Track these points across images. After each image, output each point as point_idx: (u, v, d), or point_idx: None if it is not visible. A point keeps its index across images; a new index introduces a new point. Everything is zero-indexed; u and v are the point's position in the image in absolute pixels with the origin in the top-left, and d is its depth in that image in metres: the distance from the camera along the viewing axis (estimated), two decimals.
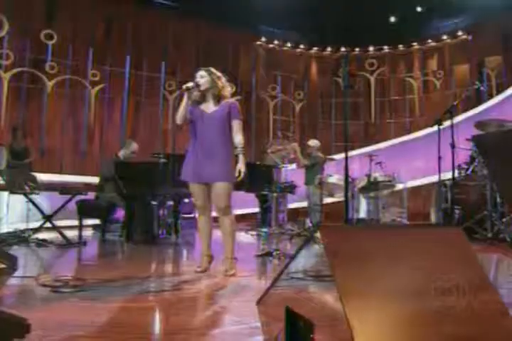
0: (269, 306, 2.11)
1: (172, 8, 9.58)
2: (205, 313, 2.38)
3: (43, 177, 6.77)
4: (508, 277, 3.34)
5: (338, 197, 7.12)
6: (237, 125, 3.45)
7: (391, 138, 10.48)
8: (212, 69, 3.52)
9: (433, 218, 5.53)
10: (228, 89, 3.56)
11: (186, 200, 7.94)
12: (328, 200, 7.61)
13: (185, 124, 3.51)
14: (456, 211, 4.70)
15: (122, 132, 9.18)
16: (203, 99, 3.48)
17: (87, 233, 6.56)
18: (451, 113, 4.36)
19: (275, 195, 4.67)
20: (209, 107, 3.46)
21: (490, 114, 8.23)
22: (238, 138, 3.43)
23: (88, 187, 5.30)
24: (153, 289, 2.91)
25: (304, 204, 7.64)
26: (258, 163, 5.84)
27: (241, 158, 3.39)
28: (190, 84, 3.40)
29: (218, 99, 3.45)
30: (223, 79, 3.53)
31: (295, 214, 8.38)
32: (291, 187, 4.64)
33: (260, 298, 2.09)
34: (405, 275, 1.36)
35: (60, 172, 8.27)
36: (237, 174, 3.35)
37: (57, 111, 8.61)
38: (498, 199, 4.49)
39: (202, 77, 3.44)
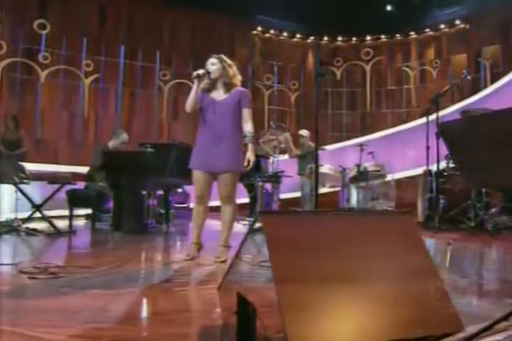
0: (227, 292, 2.14)
1: None
2: (180, 299, 2.41)
3: (38, 167, 6.85)
4: (474, 265, 3.37)
5: (330, 187, 7.16)
6: (247, 113, 3.41)
7: (388, 128, 10.45)
8: (224, 57, 3.46)
9: (419, 207, 5.55)
10: (239, 78, 3.52)
11: (179, 190, 7.99)
12: (321, 190, 7.65)
13: (194, 112, 3.48)
14: (441, 200, 4.71)
15: (117, 122, 9.19)
16: (213, 86, 3.43)
17: (80, 222, 6.62)
18: (436, 103, 4.34)
19: (260, 184, 4.69)
20: (219, 95, 3.41)
21: (486, 103, 8.19)
22: (248, 127, 3.39)
23: (76, 176, 5.32)
24: (131, 276, 2.94)
25: (298, 194, 7.67)
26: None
27: (250, 146, 3.36)
28: (201, 72, 3.33)
29: (229, 87, 3.40)
30: (234, 68, 3.49)
31: (289, 205, 8.40)
32: (276, 177, 4.64)
33: (220, 283, 2.11)
34: (343, 261, 1.37)
35: (55, 162, 8.31)
36: (246, 163, 3.34)
37: (51, 102, 8.63)
38: (483, 190, 4.50)
39: (213, 65, 3.39)
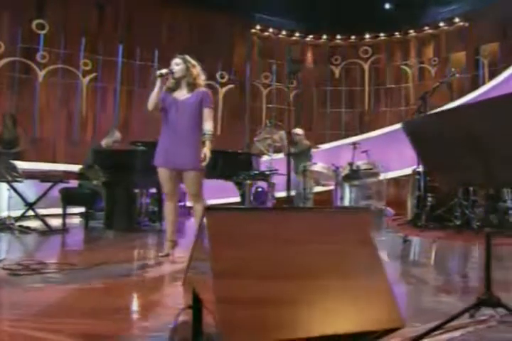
0: (186, 287, 2.18)
1: None
2: (146, 294, 2.46)
3: (36, 166, 6.92)
4: (452, 263, 3.38)
5: (324, 185, 7.17)
6: (208, 113, 3.49)
7: (386, 126, 10.42)
8: (188, 58, 3.55)
9: (409, 205, 5.55)
10: (202, 78, 3.60)
11: None
12: (316, 189, 7.66)
13: (156, 111, 3.56)
14: (429, 199, 4.72)
15: (115, 121, 9.24)
16: (177, 86, 3.52)
17: (75, 221, 6.67)
18: (424, 100, 4.34)
19: (248, 182, 4.71)
20: (182, 95, 3.50)
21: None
22: (208, 125, 3.47)
23: (68, 174, 5.37)
24: (109, 273, 2.99)
25: (293, 192, 7.68)
26: (240, 151, 5.85)
27: (207, 144, 3.42)
28: (163, 71, 3.43)
29: (192, 87, 3.48)
30: (198, 68, 3.56)
31: (286, 203, 8.41)
32: (263, 175, 4.66)
33: (183, 279, 2.15)
34: (285, 257, 1.39)
35: (53, 161, 8.37)
36: (202, 157, 3.37)
37: (49, 101, 8.69)
38: (471, 188, 4.50)
39: (177, 65, 3.47)
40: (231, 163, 5.08)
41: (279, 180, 7.57)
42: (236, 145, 8.93)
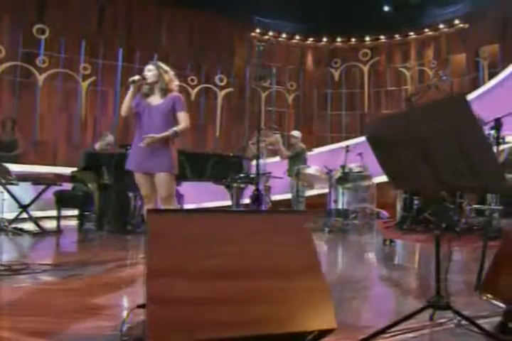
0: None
1: None
2: (117, 295, 2.50)
3: (36, 168, 7.01)
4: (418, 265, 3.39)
5: (317, 188, 7.18)
6: (181, 117, 3.53)
7: None
8: (160, 64, 3.63)
9: (398, 208, 5.54)
10: (175, 83, 3.66)
11: None
12: (311, 192, 7.68)
13: (129, 116, 3.62)
14: (415, 202, 4.70)
15: (114, 124, 9.33)
16: (150, 92, 3.59)
17: (72, 223, 6.75)
18: (410, 102, 4.35)
19: (235, 185, 4.74)
20: (155, 100, 3.56)
21: (483, 99, 8.18)
22: (179, 126, 3.49)
23: (60, 177, 5.45)
24: (87, 273, 3.05)
25: (289, 195, 7.70)
26: (231, 154, 5.89)
27: (165, 133, 3.42)
28: (135, 77, 3.51)
29: (165, 92, 3.54)
30: (171, 74, 3.64)
31: (282, 206, 8.43)
32: (250, 178, 4.68)
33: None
34: (222, 258, 1.42)
35: (54, 164, 8.47)
36: (147, 141, 3.37)
37: (50, 104, 8.80)
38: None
39: (149, 71, 3.55)
40: (221, 166, 5.12)
41: (277, 183, 7.64)
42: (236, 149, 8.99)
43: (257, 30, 10.90)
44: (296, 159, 7.08)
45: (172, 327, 1.27)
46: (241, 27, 10.65)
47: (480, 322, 2.13)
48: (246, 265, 1.42)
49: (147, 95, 3.58)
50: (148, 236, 1.42)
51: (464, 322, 2.06)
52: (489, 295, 1.80)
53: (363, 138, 9.02)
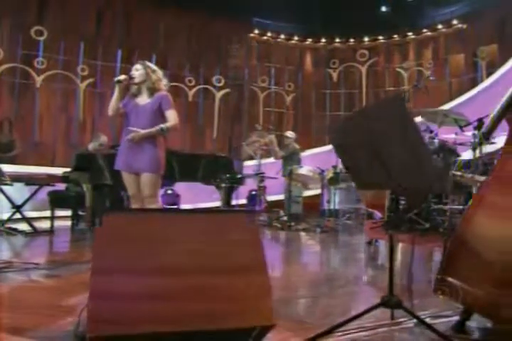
0: None
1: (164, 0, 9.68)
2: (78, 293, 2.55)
3: (35, 169, 7.10)
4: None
5: (310, 189, 7.21)
6: (169, 115, 3.50)
7: None
8: (148, 63, 3.63)
9: (386, 209, 5.54)
10: (163, 83, 3.62)
11: (169, 191, 8.15)
12: (310, 192, 7.71)
13: (117, 116, 3.65)
14: (402, 202, 4.72)
15: (113, 125, 9.40)
16: (138, 92, 3.58)
17: (66, 223, 6.81)
18: None
19: (223, 185, 4.78)
20: (143, 100, 3.55)
21: (480, 98, 8.19)
22: (166, 123, 3.47)
23: (53, 178, 5.52)
24: (67, 272, 3.11)
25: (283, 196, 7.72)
26: (222, 154, 5.94)
27: (149, 130, 3.41)
28: (122, 77, 3.51)
29: (152, 91, 3.52)
30: (159, 73, 3.61)
31: (278, 207, 8.47)
32: (237, 179, 4.70)
33: None
34: (168, 256, 1.46)
35: (52, 164, 8.56)
36: (132, 136, 3.39)
37: (48, 106, 8.90)
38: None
39: (137, 70, 3.54)
40: (212, 166, 5.15)
41: (275, 184, 7.67)
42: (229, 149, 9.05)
43: (256, 31, 10.93)
44: (290, 159, 7.11)
45: (111, 320, 1.31)
46: (239, 28, 10.69)
47: (441, 321, 2.17)
48: (190, 263, 1.46)
49: (135, 95, 3.57)
50: (96, 234, 1.47)
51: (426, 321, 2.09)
52: (441, 295, 1.83)
53: None
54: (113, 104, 3.54)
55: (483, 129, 2.16)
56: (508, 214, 1.72)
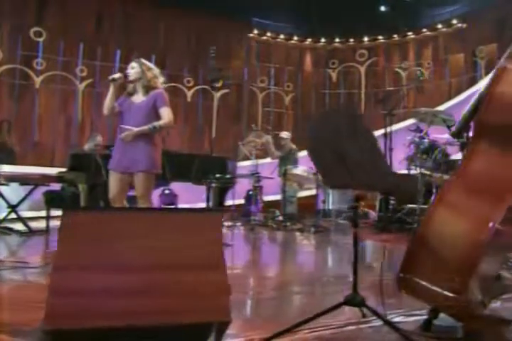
0: None
1: (163, 0, 9.71)
2: None
3: (34, 169, 7.15)
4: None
5: (305, 189, 7.21)
6: (163, 112, 3.47)
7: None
8: (143, 61, 3.61)
9: (377, 209, 5.56)
10: (158, 81, 3.60)
11: (167, 191, 8.19)
12: (301, 193, 7.71)
13: (112, 115, 3.66)
14: (391, 202, 4.73)
15: (111, 126, 9.46)
16: (134, 90, 3.57)
17: None
18: (383, 102, 4.38)
19: (214, 185, 4.79)
20: (138, 98, 3.54)
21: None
22: (160, 121, 3.46)
23: (47, 178, 5.56)
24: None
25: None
26: (216, 154, 5.96)
27: (141, 128, 3.41)
28: (116, 75, 3.50)
29: (147, 89, 3.50)
30: (155, 71, 3.61)
31: (274, 207, 8.47)
32: (226, 179, 4.71)
33: None
34: (127, 253, 1.49)
35: (52, 165, 8.62)
36: (126, 134, 3.40)
37: (48, 106, 8.96)
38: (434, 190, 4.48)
39: (132, 68, 3.55)
40: (204, 167, 5.16)
41: (273, 184, 7.68)
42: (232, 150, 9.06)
43: (255, 31, 10.95)
44: (286, 160, 7.13)
45: (68, 315, 1.35)
46: (239, 28, 10.71)
47: (412, 319, 2.18)
48: (149, 259, 1.50)
49: (131, 94, 3.57)
50: (58, 232, 1.50)
51: (399, 319, 2.11)
52: (405, 294, 1.84)
53: None
54: (108, 102, 3.52)
55: (453, 129, 2.17)
56: (467, 213, 1.73)
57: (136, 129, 3.41)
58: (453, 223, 1.77)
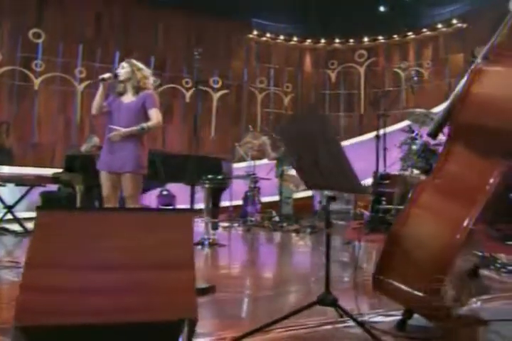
0: None
1: (163, 1, 9.74)
2: None
3: (34, 170, 7.20)
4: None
5: (302, 190, 7.22)
6: (152, 113, 3.48)
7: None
8: (134, 61, 3.60)
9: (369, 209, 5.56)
10: (148, 81, 3.60)
11: (165, 192, 8.22)
12: (299, 194, 7.72)
13: (100, 114, 3.67)
14: (383, 202, 4.73)
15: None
16: (124, 90, 3.57)
17: None
18: (374, 104, 4.37)
19: (207, 186, 4.80)
20: (127, 98, 3.54)
21: None
22: (148, 122, 3.46)
23: (43, 179, 5.59)
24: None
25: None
26: (212, 155, 5.97)
27: (129, 129, 3.40)
28: (106, 75, 3.50)
29: (137, 90, 3.51)
30: (146, 71, 3.61)
31: (272, 207, 8.47)
32: (219, 180, 4.70)
33: None
34: (98, 253, 1.51)
35: (51, 165, 8.66)
36: (114, 134, 3.40)
37: (47, 108, 9.02)
38: None
39: (122, 68, 3.56)
40: (199, 167, 5.15)
41: (268, 185, 7.69)
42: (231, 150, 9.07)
43: (255, 32, 10.96)
44: (283, 161, 7.13)
45: (40, 311, 1.38)
46: (239, 29, 10.72)
47: (388, 319, 2.18)
48: (122, 258, 1.52)
49: (121, 94, 3.57)
50: (33, 231, 1.54)
51: (377, 319, 2.12)
52: (380, 294, 1.84)
53: (360, 139, 9.03)
54: (96, 102, 3.54)
55: (429, 130, 2.17)
56: (441, 214, 1.74)
57: (124, 130, 3.41)
58: (427, 224, 1.78)
